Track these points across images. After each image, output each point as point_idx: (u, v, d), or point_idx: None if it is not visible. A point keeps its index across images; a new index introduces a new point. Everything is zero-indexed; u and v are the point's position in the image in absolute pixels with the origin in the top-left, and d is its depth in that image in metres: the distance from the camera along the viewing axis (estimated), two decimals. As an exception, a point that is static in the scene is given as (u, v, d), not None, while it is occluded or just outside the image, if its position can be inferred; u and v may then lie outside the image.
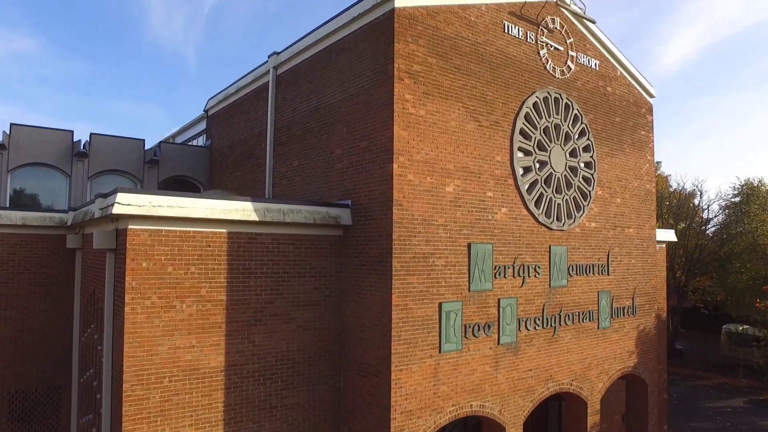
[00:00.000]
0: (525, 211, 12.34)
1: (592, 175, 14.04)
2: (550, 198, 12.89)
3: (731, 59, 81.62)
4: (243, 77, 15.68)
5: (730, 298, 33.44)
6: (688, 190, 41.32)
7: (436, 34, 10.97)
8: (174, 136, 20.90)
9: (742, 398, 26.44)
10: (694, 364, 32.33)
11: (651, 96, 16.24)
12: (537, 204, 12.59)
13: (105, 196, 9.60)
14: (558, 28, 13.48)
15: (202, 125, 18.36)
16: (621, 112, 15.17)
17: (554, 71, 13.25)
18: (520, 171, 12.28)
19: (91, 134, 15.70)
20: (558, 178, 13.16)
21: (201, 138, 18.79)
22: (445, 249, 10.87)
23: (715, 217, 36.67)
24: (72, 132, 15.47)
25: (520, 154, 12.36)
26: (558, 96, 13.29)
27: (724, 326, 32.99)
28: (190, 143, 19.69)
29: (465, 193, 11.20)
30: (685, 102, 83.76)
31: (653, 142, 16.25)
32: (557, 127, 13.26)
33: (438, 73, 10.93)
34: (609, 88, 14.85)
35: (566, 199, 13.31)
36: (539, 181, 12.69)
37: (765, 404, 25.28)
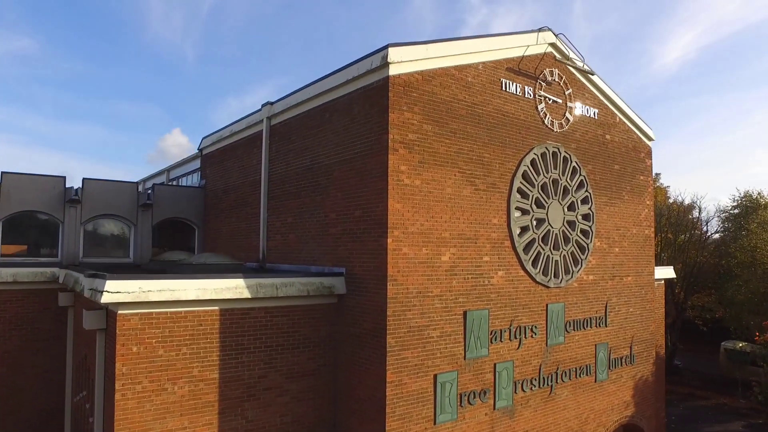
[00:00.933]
0: (522, 272, 12.19)
1: (590, 227, 13.88)
2: (548, 256, 12.74)
3: (730, 59, 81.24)
4: (237, 122, 15.47)
5: (729, 311, 33.39)
6: (687, 202, 41.24)
7: (432, 99, 10.76)
8: (169, 169, 20.71)
9: (741, 422, 26.38)
10: (692, 382, 32.29)
11: (650, 139, 16.05)
12: (534, 263, 12.43)
13: (94, 276, 9.44)
14: (556, 80, 13.26)
15: (197, 163, 18.18)
16: (620, 159, 14.98)
17: (552, 125, 13.05)
18: (517, 231, 12.12)
19: (84, 179, 15.52)
20: (556, 234, 13.00)
21: (196, 174, 18.61)
22: (441, 319, 10.73)
23: (715, 233, 36.55)
24: (64, 178, 15.29)
25: (517, 214, 12.19)
26: (556, 150, 13.10)
27: (722, 343, 32.92)
28: (185, 177, 19.53)
29: (461, 261, 11.04)
30: (684, 101, 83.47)
31: (652, 186, 16.08)
32: (555, 182, 13.08)
33: (434, 140, 10.74)
34: (608, 136, 14.65)
35: (564, 255, 13.15)
36: (536, 239, 12.53)
37: (764, 429, 25.26)
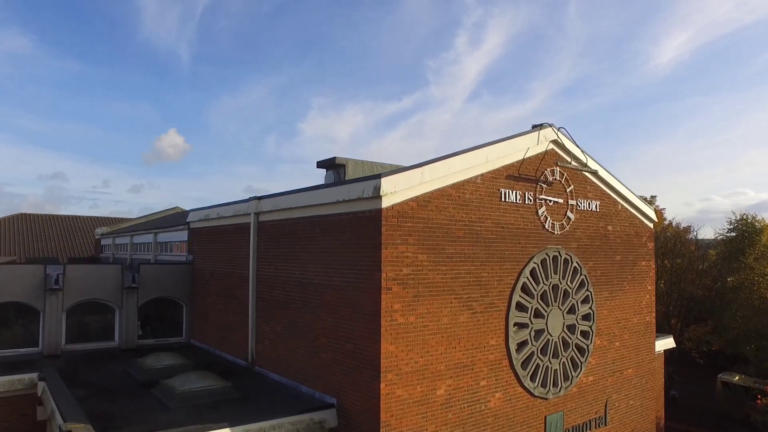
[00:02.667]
0: (520, 389, 11.73)
1: (590, 327, 13.42)
2: (547, 366, 12.28)
3: (723, 60, 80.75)
4: (224, 206, 14.85)
5: (725, 336, 33.13)
6: (683, 225, 41.00)
7: (427, 226, 10.20)
8: (157, 231, 20.07)
9: (737, 464, 26.22)
10: (689, 416, 32.08)
11: (652, 221, 15.55)
12: (532, 378, 11.97)
13: (69, 435, 8.90)
14: (557, 178, 12.70)
15: (184, 234, 17.55)
16: (622, 249, 14.48)
17: (553, 228, 12.51)
18: (515, 347, 11.64)
19: (65, 265, 14.95)
20: (555, 342, 12.53)
21: (183, 243, 17.98)
22: (436, 456, 10.28)
23: (715, 265, 36.18)
24: (44, 266, 14.67)
25: (515, 328, 11.70)
26: (557, 254, 12.58)
27: (719, 375, 32.67)
28: (172, 244, 18.95)
29: (457, 391, 10.57)
30: (678, 102, 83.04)
31: (654, 269, 15.61)
32: (555, 287, 12.58)
33: (429, 270, 10.19)
34: (609, 227, 14.14)
35: (563, 362, 12.70)
36: (535, 352, 12.06)
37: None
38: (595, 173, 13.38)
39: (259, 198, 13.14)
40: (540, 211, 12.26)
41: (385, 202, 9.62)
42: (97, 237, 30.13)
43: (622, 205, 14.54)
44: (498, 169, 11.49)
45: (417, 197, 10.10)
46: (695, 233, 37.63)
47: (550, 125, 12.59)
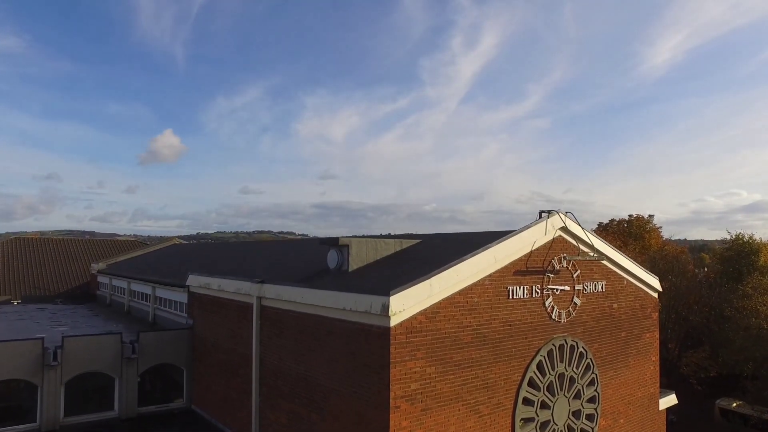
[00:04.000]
0: (526, 485, 11.68)
1: (595, 410, 13.36)
2: (553, 457, 12.23)
3: (717, 61, 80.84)
4: (226, 279, 14.63)
5: (722, 355, 33.19)
6: (679, 239, 41.03)
7: (435, 338, 10.06)
8: (155, 285, 19.79)
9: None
10: (687, 442, 32.26)
11: (656, 291, 15.47)
12: (539, 472, 11.92)
13: None
14: (564, 265, 12.56)
15: (183, 296, 17.31)
16: (627, 325, 14.40)
17: (560, 317, 12.40)
18: (522, 443, 11.57)
19: (64, 337, 14.71)
20: (560, 431, 12.46)
21: (182, 303, 17.75)
22: None
23: (714, 290, 36.24)
24: (42, 339, 14.45)
25: (521, 423, 11.61)
26: (563, 342, 12.48)
27: (717, 401, 32.83)
28: (171, 303, 18.72)
29: (464, 499, 10.49)
30: (673, 103, 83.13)
31: (658, 339, 15.56)
32: (561, 376, 12.49)
33: (438, 381, 10.07)
34: (615, 305, 14.04)
35: (569, 449, 12.66)
36: (541, 445, 12.00)
37: None
38: (602, 259, 13.25)
39: (262, 281, 12.93)
40: (547, 302, 12.14)
41: (394, 321, 9.46)
42: (93, 272, 29.84)
43: (627, 281, 14.44)
44: (506, 267, 11.34)
45: (425, 310, 9.94)
46: (691, 250, 37.61)
47: (557, 212, 12.44)
